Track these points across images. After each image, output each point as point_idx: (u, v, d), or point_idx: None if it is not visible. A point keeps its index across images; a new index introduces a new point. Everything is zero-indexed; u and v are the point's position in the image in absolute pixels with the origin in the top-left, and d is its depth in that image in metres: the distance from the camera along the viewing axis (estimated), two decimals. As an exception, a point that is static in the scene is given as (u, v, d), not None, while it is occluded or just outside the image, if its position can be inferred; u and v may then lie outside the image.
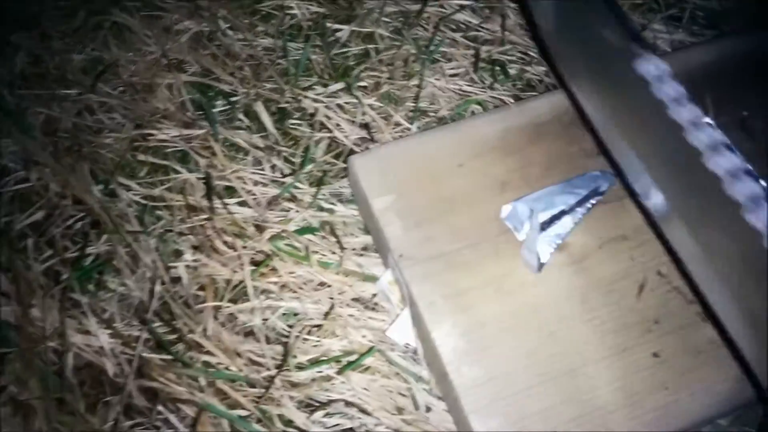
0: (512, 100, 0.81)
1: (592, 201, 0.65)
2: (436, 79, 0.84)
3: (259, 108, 0.80)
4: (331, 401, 0.59)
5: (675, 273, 0.61)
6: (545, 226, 0.62)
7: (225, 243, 0.69)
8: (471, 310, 0.59)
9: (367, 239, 0.70)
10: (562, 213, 0.64)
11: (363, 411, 0.59)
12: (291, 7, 0.90)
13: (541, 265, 0.61)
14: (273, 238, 0.69)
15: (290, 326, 0.65)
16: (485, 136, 0.69)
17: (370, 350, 0.62)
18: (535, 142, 0.69)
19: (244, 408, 0.59)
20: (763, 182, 0.44)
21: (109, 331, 0.64)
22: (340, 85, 0.83)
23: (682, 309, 0.60)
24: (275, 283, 0.67)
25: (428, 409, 0.61)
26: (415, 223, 0.63)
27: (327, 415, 0.59)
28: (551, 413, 0.55)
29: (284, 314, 0.65)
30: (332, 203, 0.73)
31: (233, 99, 0.81)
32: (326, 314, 0.65)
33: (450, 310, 0.59)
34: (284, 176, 0.75)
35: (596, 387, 0.56)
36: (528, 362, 0.57)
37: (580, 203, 0.64)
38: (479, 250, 0.62)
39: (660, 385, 0.56)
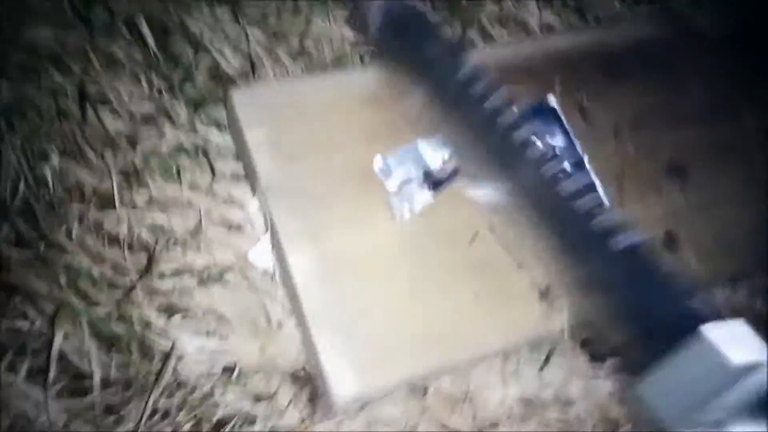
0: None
1: (455, 165, 0.72)
2: (322, 21, 0.87)
3: (141, 21, 0.79)
4: (190, 308, 0.64)
5: (504, 229, 0.71)
6: (413, 181, 0.69)
7: (95, 151, 0.70)
8: (327, 242, 0.65)
9: (239, 167, 0.74)
10: (430, 171, 0.70)
11: (220, 319, 0.65)
12: None
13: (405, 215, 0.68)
14: (146, 153, 0.71)
15: (156, 238, 0.68)
16: (358, 89, 0.74)
17: (233, 267, 0.67)
18: (403, 99, 0.75)
19: (104, 307, 0.62)
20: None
21: (-35, 225, 0.64)
22: (226, 11, 0.84)
23: (504, 259, 0.70)
24: (144, 196, 0.69)
25: (280, 325, 0.67)
26: (285, 158, 0.68)
27: (185, 319, 0.63)
28: (380, 334, 0.63)
29: (150, 226, 0.68)
30: (208, 127, 0.75)
31: (114, 7, 0.80)
32: (192, 231, 0.69)
33: (307, 241, 0.65)
34: (161, 94, 0.76)
35: (426, 317, 0.65)
36: (369, 291, 0.64)
37: (445, 165, 0.71)
38: (341, 191, 0.68)
39: (475, 317, 0.66)
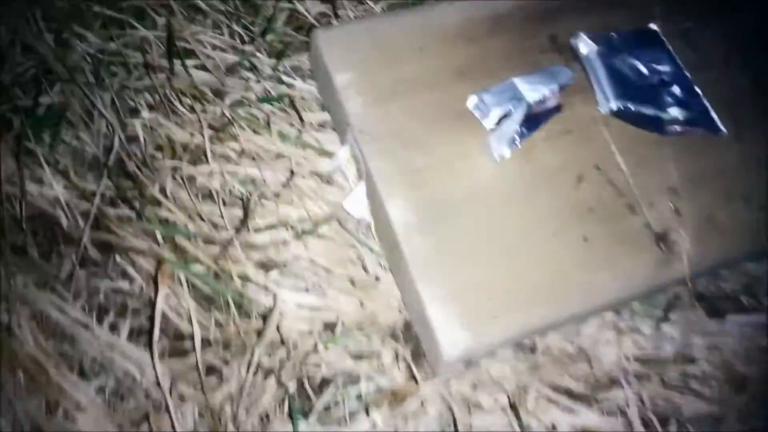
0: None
1: (554, 101, 0.67)
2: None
3: (221, -30, 0.77)
4: (287, 263, 0.62)
5: (612, 167, 0.65)
6: (512, 119, 0.64)
7: (183, 104, 0.68)
8: (425, 186, 0.61)
9: (325, 116, 0.71)
10: (529, 108, 0.65)
11: (318, 274, 0.62)
12: None
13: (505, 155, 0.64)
14: (233, 104, 0.69)
15: (249, 191, 0.65)
16: (446, 24, 0.69)
17: (327, 219, 0.64)
18: (495, 33, 0.70)
19: (202, 263, 0.61)
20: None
21: (64, 182, 0.64)
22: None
23: (614, 201, 0.65)
24: (234, 149, 0.67)
25: (377, 278, 0.64)
26: (375, 100, 0.64)
27: (283, 274, 0.61)
28: (487, 285, 0.58)
29: (243, 180, 0.66)
30: (292, 77, 0.73)
31: (193, -42, 0.77)
32: (285, 183, 0.66)
33: (405, 186, 0.61)
34: (244, 43, 0.74)
35: (534, 266, 0.60)
36: (473, 238, 0.60)
37: (544, 101, 0.66)
38: (435, 132, 0.63)
39: (586, 265, 0.61)
